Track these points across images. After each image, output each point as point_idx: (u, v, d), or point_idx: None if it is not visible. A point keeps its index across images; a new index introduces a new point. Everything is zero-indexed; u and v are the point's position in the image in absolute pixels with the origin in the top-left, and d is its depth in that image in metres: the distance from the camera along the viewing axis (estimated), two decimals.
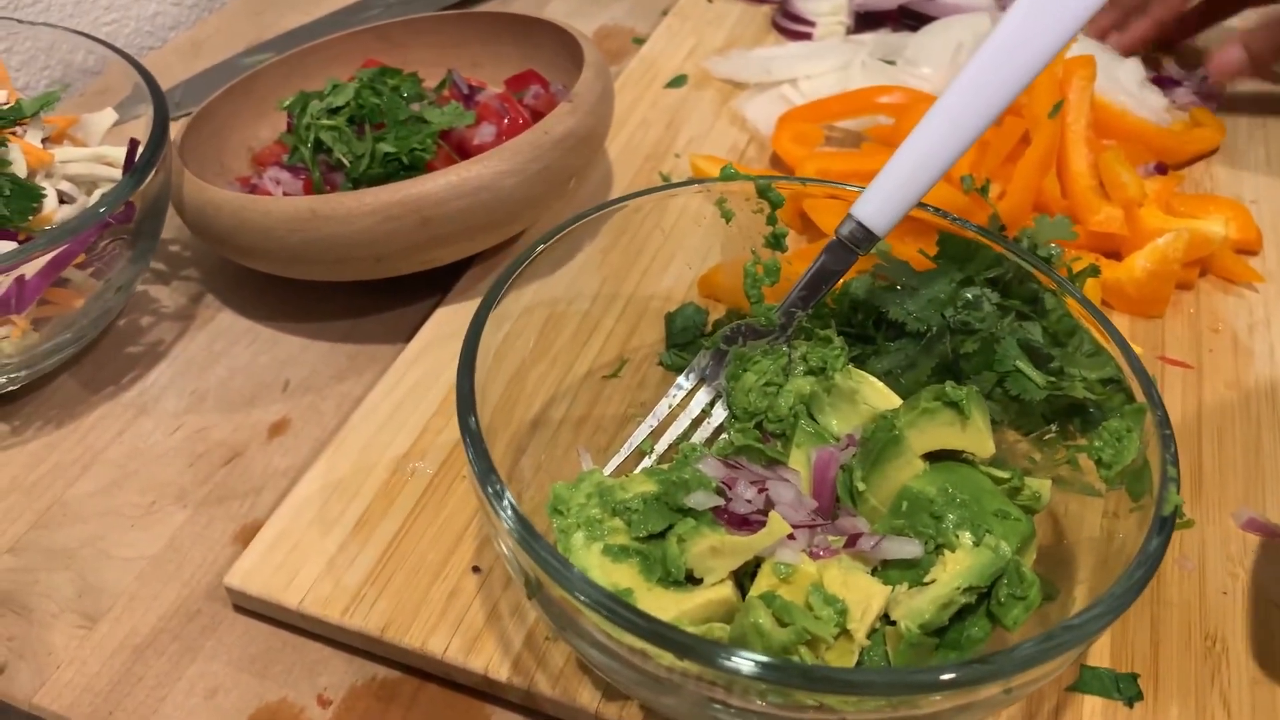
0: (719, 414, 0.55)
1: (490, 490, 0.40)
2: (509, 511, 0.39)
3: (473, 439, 0.41)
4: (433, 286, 0.69)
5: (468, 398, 0.43)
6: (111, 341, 0.67)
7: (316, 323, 0.68)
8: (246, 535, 0.55)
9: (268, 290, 0.69)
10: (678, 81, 0.87)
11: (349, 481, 0.56)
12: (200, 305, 0.69)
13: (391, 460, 0.57)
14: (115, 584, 0.54)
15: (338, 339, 0.67)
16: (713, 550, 0.44)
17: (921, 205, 0.53)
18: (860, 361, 0.56)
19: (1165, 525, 0.40)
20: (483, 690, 0.49)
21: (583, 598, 0.37)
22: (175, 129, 0.70)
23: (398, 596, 0.51)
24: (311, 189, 0.66)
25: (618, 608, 0.36)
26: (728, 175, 0.55)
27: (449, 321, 0.65)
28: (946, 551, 0.45)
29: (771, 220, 0.56)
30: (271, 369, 0.65)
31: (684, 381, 0.56)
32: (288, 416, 0.62)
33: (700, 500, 0.46)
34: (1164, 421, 0.43)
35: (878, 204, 0.51)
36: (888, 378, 0.55)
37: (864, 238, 0.52)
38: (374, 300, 0.69)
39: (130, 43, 0.95)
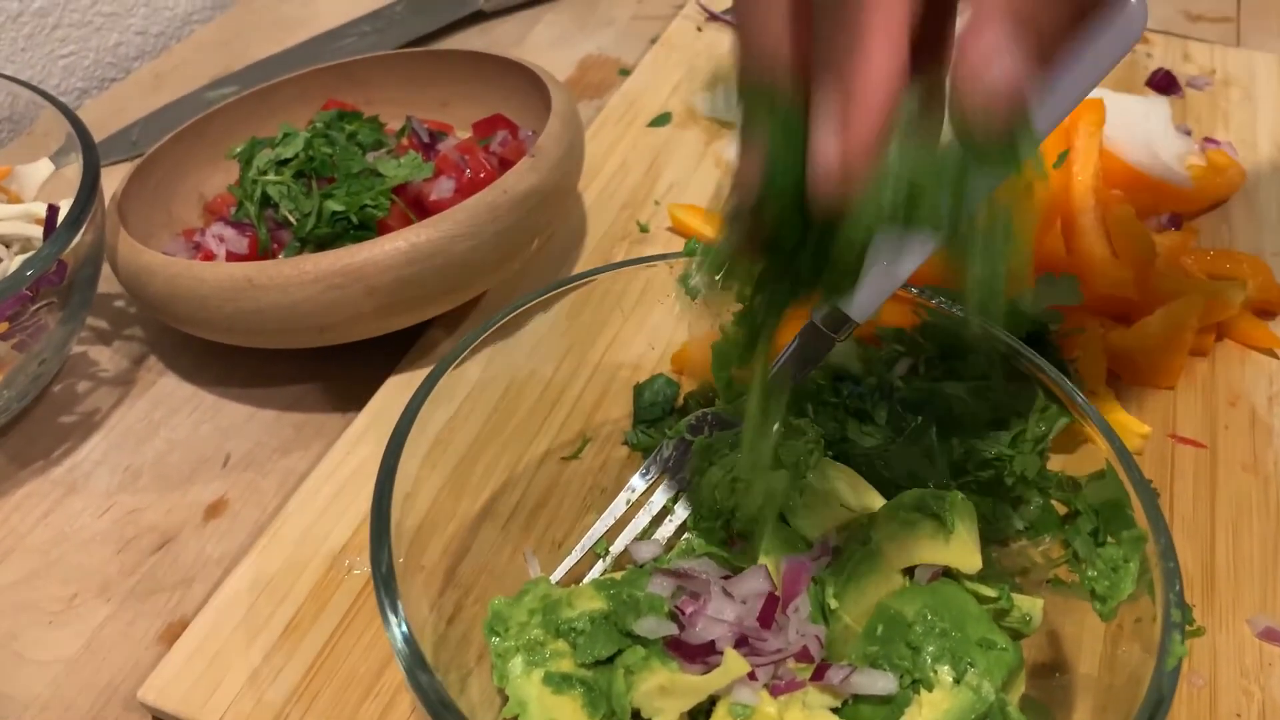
0: (681, 511, 0.50)
1: (393, 641, 0.35)
2: (423, 685, 0.35)
3: (384, 581, 0.37)
4: (389, 348, 0.64)
5: (383, 527, 0.38)
6: (45, 409, 0.63)
7: (263, 389, 0.63)
8: (172, 634, 0.51)
9: (214, 351, 0.65)
10: (661, 120, 0.82)
11: (280, 580, 0.51)
12: (142, 369, 0.65)
13: (327, 556, 0.52)
14: (26, 690, 0.49)
15: (284, 407, 0.63)
16: (662, 689, 0.40)
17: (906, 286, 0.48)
18: (840, 434, 0.51)
19: (1168, 683, 0.35)
20: None
21: None
22: (121, 174, 0.66)
23: (325, 716, 0.46)
24: (257, 248, 0.62)
25: None
26: (692, 250, 0.50)
27: (400, 392, 0.61)
28: (923, 689, 0.40)
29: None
30: (212, 441, 0.61)
31: (639, 482, 0.51)
32: (226, 496, 0.58)
33: (651, 629, 0.41)
34: (1168, 552, 0.38)
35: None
36: (869, 466, 0.51)
37: (841, 322, 0.47)
38: (325, 364, 0.64)
39: (90, 75, 0.91)
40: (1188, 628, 0.38)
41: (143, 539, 0.56)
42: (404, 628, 0.36)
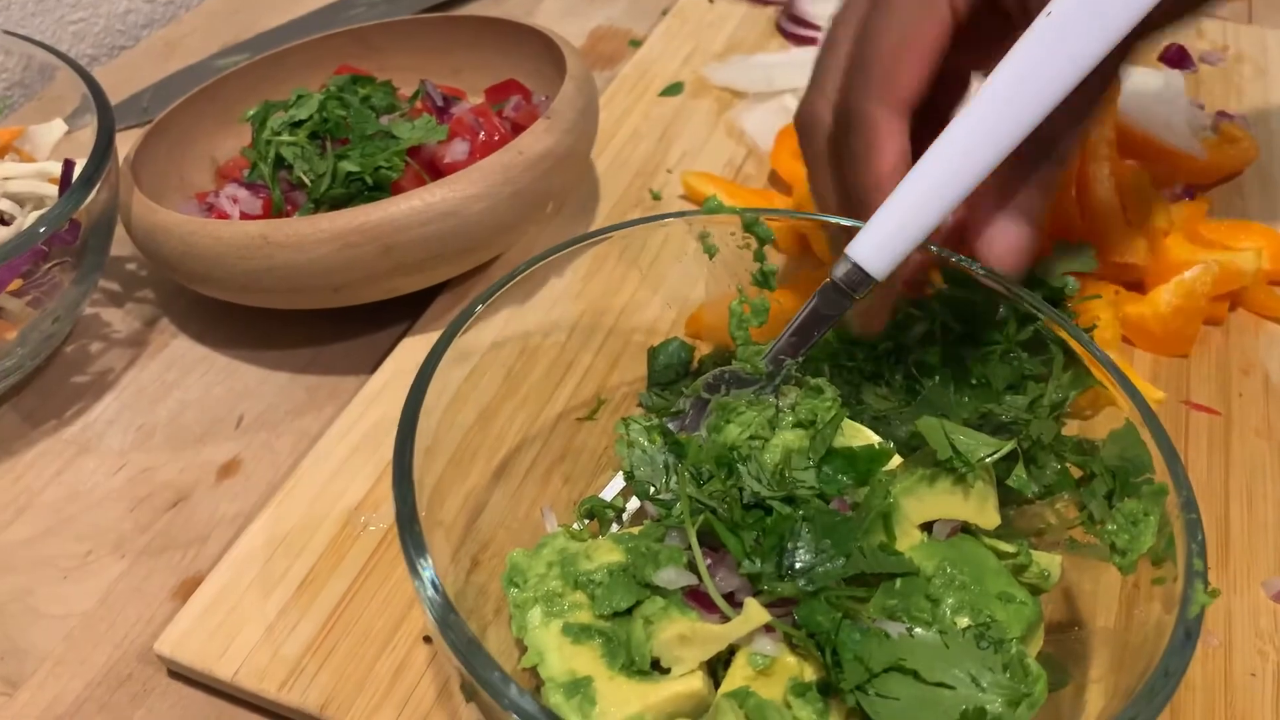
0: None
1: (420, 587, 0.35)
2: (449, 625, 0.35)
3: (411, 533, 0.37)
4: (402, 312, 0.64)
5: (405, 474, 0.38)
6: (58, 369, 0.63)
7: (276, 351, 0.63)
8: (187, 590, 0.51)
9: (226, 314, 0.65)
10: (673, 89, 0.82)
11: (296, 536, 0.51)
12: (154, 330, 0.65)
13: (343, 512, 0.52)
14: (42, 644, 0.49)
15: (298, 369, 0.62)
16: (681, 638, 0.40)
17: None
18: (855, 396, 0.51)
19: (1189, 633, 0.35)
20: None
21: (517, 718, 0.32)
22: (133, 140, 0.66)
23: (340, 669, 0.46)
24: (271, 209, 0.62)
25: None
26: (711, 208, 0.50)
27: (415, 354, 0.60)
28: None
29: (759, 256, 0.51)
30: (226, 402, 0.61)
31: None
32: (239, 456, 0.58)
33: (670, 579, 0.41)
34: (1189, 504, 0.38)
35: (876, 243, 0.46)
36: (882, 424, 0.51)
37: (860, 281, 0.47)
38: (339, 327, 0.64)
39: (100, 42, 0.91)
40: (1207, 590, 0.38)
41: (156, 497, 0.56)
42: (432, 574, 0.36)
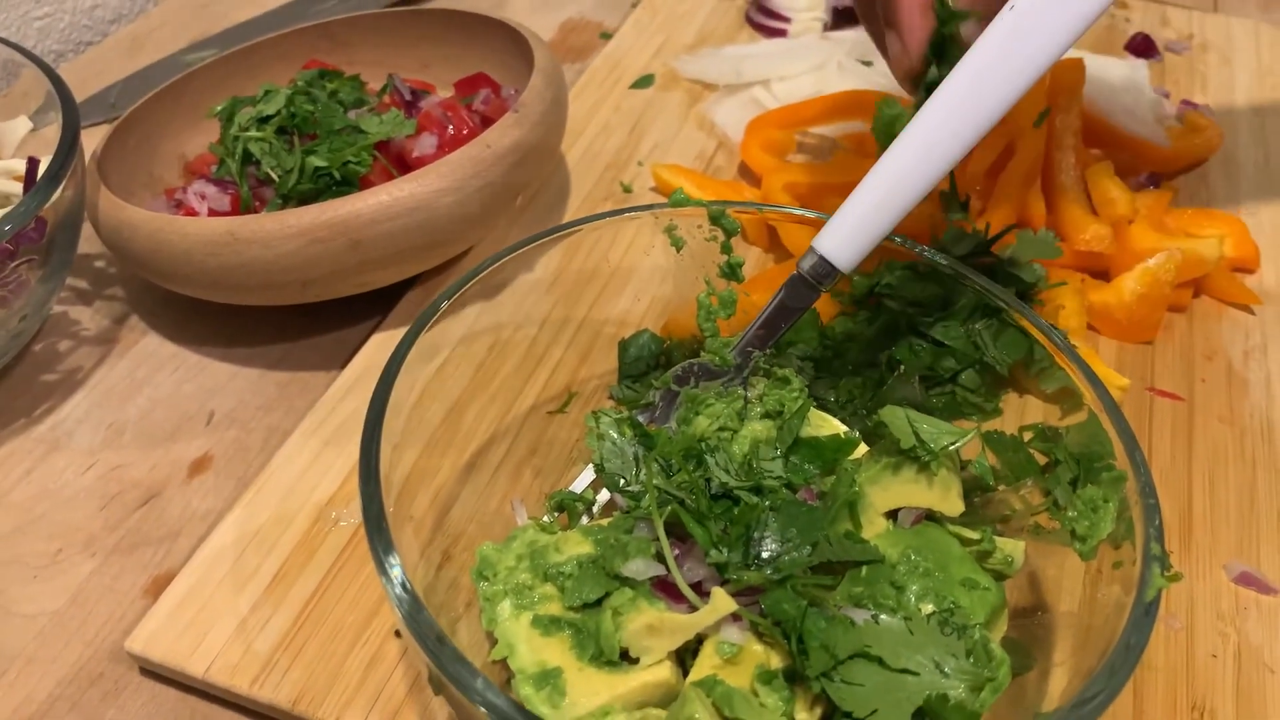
0: None
1: (389, 586, 0.35)
2: (411, 614, 0.35)
3: (378, 532, 0.37)
4: (373, 307, 0.64)
5: (372, 472, 0.38)
6: (26, 368, 0.62)
7: (246, 347, 0.63)
8: (158, 587, 0.51)
9: (196, 311, 0.64)
10: (644, 82, 0.82)
11: (267, 532, 0.51)
12: (124, 328, 0.65)
13: (314, 508, 0.52)
14: (12, 644, 0.49)
15: (268, 365, 0.62)
16: (650, 628, 0.40)
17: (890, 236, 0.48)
18: (821, 382, 0.52)
19: (1147, 614, 0.36)
20: None
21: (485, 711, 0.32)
22: (100, 136, 0.65)
23: (312, 664, 0.46)
24: (239, 205, 0.62)
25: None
26: (677, 201, 0.50)
27: (386, 349, 0.60)
28: None
29: (726, 249, 0.52)
30: (196, 399, 0.61)
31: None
32: (210, 453, 0.58)
33: (638, 570, 0.41)
34: (1148, 490, 0.39)
35: (842, 237, 0.47)
36: (848, 411, 0.51)
37: (827, 273, 0.47)
38: (309, 322, 0.64)
39: (67, 38, 0.90)
40: (1166, 573, 0.39)
41: (127, 495, 0.56)
42: (400, 572, 0.36)
